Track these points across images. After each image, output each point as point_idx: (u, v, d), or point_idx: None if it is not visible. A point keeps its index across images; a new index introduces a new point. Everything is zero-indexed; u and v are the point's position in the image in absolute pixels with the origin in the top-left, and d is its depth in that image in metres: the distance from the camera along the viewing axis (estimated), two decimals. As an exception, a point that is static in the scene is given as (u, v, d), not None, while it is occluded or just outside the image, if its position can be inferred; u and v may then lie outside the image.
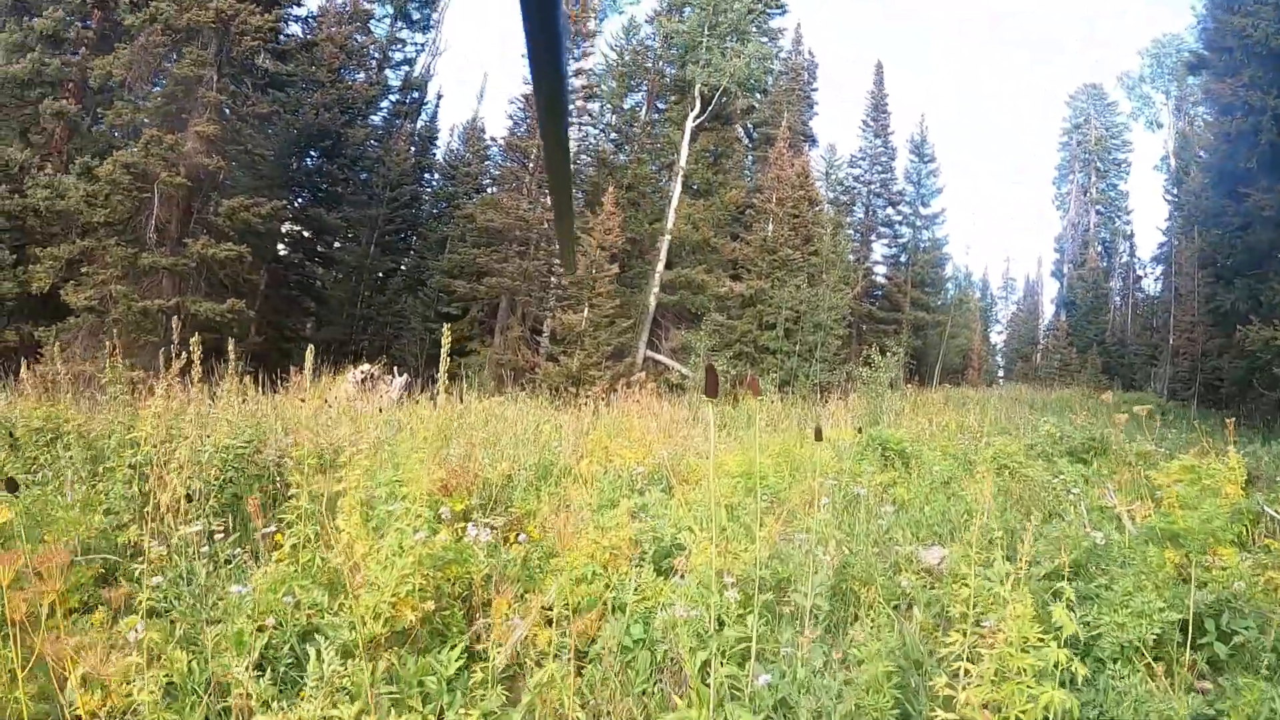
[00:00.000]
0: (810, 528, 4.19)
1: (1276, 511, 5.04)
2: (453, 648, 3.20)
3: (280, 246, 26.92)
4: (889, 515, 5.67)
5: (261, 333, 26.01)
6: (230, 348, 7.13)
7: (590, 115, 31.20)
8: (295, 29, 23.77)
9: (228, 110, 20.52)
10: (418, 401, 11.36)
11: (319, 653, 2.65)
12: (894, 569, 4.60)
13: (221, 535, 3.73)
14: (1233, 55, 16.57)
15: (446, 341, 4.38)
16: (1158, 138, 56.00)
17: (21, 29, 19.06)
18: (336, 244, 33.10)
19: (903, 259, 37.59)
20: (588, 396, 12.70)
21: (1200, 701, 2.92)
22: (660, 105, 31.79)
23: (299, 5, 23.14)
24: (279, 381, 15.39)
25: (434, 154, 36.80)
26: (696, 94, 29.68)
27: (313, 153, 29.03)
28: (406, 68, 37.17)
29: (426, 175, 35.79)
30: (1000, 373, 50.98)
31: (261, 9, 20.45)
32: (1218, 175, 18.69)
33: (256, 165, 22.07)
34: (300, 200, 27.73)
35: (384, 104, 36.29)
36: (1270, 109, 14.64)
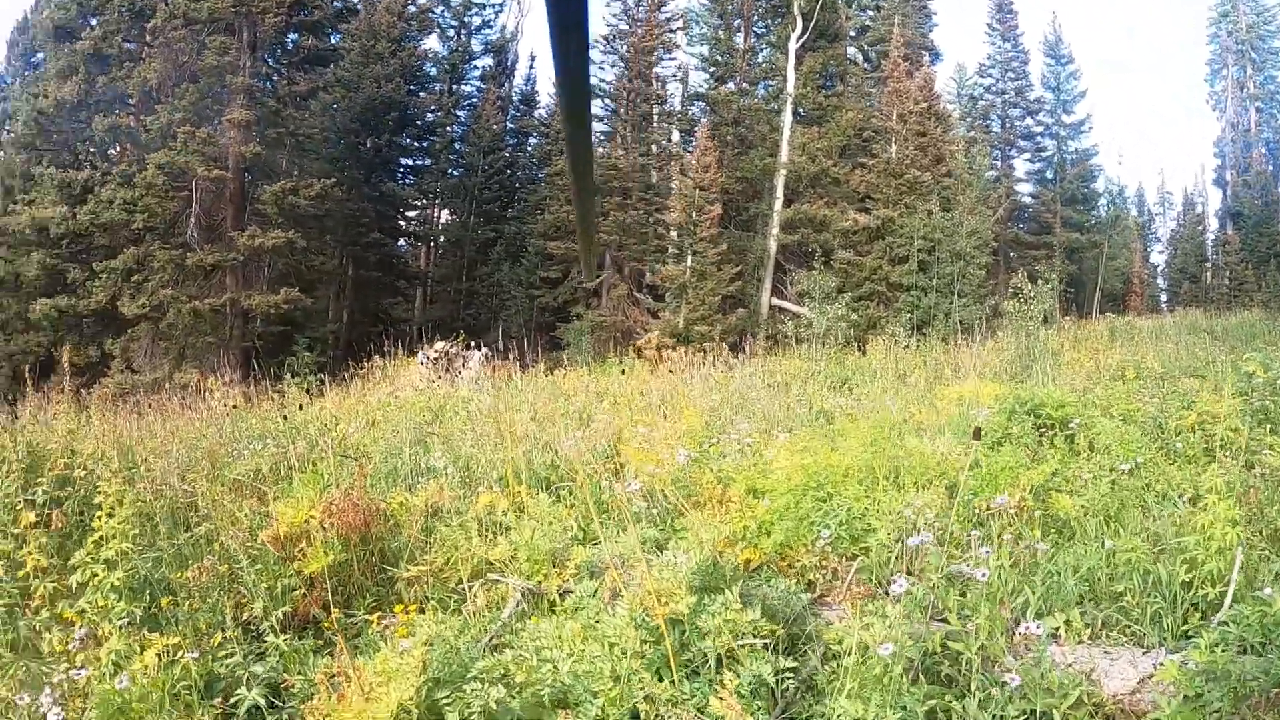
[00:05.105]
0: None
1: None
2: None
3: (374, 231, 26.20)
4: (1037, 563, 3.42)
5: (353, 320, 25.41)
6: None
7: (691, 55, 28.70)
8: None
9: (267, 95, 19.71)
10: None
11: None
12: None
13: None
14: None
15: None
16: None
17: (66, 53, 18.99)
18: (443, 217, 32.19)
19: (1049, 175, 33.08)
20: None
21: None
22: (758, 31, 28.76)
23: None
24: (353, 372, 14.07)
25: (533, 116, 35.19)
26: (796, 11, 26.49)
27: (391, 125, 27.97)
28: (487, 31, 35.68)
29: (530, 139, 34.36)
30: (1163, 297, 44.29)
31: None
32: None
33: (304, 147, 21.09)
34: (375, 177, 26.87)
35: (473, 71, 35.00)
36: None
